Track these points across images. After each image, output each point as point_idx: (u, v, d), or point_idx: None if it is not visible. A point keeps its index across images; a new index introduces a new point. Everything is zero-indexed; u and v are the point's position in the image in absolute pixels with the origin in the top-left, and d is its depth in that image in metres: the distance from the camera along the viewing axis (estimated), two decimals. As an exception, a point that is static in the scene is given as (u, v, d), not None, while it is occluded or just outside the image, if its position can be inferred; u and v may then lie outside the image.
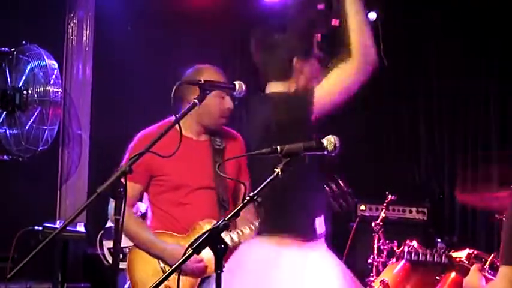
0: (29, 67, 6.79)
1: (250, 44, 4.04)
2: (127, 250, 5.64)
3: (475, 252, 4.74)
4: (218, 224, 2.69)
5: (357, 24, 3.67)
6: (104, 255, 5.86)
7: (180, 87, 3.74)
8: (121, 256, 5.63)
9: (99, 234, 5.87)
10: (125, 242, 5.62)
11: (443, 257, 4.71)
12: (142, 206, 5.64)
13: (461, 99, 7.85)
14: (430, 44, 8.03)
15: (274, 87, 3.89)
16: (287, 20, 3.94)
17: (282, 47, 3.83)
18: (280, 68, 3.86)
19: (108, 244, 5.76)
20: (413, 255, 4.80)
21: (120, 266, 5.62)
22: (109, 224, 5.70)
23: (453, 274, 4.76)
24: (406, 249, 4.98)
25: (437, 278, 4.79)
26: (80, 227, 6.19)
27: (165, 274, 2.64)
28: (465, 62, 7.74)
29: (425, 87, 8.08)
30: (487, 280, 3.54)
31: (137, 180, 4.24)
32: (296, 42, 3.87)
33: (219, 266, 2.70)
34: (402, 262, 5.06)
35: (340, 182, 5.24)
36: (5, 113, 6.85)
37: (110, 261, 5.67)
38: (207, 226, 4.01)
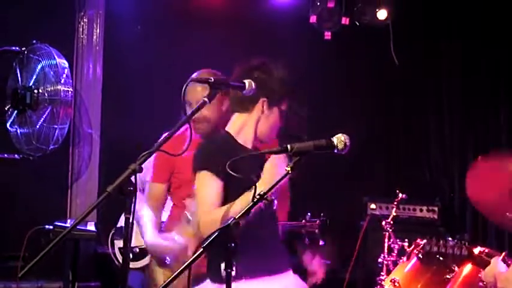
0: (39, 66, 6.79)
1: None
2: (137, 250, 5.65)
3: (486, 251, 4.72)
4: (229, 222, 2.69)
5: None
6: (114, 254, 5.86)
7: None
8: (132, 256, 5.65)
9: (111, 234, 5.87)
10: (136, 241, 5.65)
11: (462, 249, 4.69)
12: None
13: (472, 97, 7.83)
14: (440, 44, 8.02)
15: (236, 119, 3.88)
16: (271, 63, 3.91)
17: (257, 85, 3.72)
18: (244, 102, 3.83)
19: (119, 244, 5.76)
20: (431, 247, 4.78)
21: (130, 266, 5.66)
22: (120, 223, 5.70)
23: (469, 266, 4.73)
24: (416, 250, 4.96)
25: (447, 277, 4.77)
26: (91, 226, 6.19)
27: (176, 272, 2.64)
28: (475, 61, 7.73)
29: (435, 86, 8.08)
30: None
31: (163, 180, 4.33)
32: (272, 85, 3.82)
33: (229, 265, 2.70)
34: (413, 261, 5.05)
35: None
36: (15, 112, 6.87)
37: (121, 260, 5.67)
38: None
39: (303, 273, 4.13)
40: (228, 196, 3.64)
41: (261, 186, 3.46)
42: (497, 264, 3.55)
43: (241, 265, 3.61)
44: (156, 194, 4.76)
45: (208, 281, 3.72)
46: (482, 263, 4.27)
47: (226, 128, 3.89)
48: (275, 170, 3.53)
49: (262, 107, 3.81)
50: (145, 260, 5.61)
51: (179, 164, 4.46)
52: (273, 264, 3.74)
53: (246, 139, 3.83)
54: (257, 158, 3.76)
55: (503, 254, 3.73)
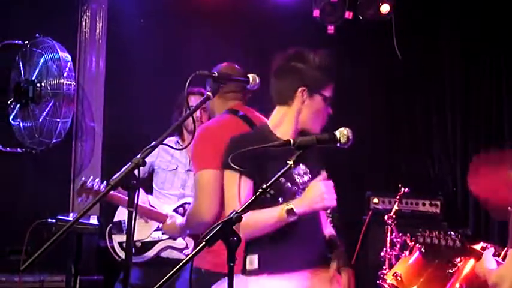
0: (42, 60, 6.79)
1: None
2: (139, 244, 5.66)
3: (489, 246, 4.72)
4: (231, 216, 2.69)
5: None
6: (113, 248, 5.84)
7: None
8: (133, 250, 5.65)
9: (108, 228, 5.85)
10: (138, 235, 5.66)
11: (456, 242, 4.69)
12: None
13: (474, 92, 7.83)
14: (443, 39, 8.02)
15: (276, 112, 3.83)
16: (309, 51, 3.83)
17: (293, 75, 3.74)
18: (282, 93, 3.78)
19: (117, 238, 5.74)
20: (427, 239, 4.78)
21: (132, 260, 5.66)
22: (117, 217, 5.71)
23: (472, 261, 4.74)
24: (420, 239, 4.96)
25: (449, 271, 4.77)
26: (93, 220, 6.20)
27: (179, 265, 2.63)
28: (477, 56, 7.73)
29: (438, 81, 8.07)
30: (499, 264, 3.54)
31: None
32: (310, 73, 3.73)
33: (231, 259, 2.70)
34: (415, 255, 5.05)
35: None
36: (18, 105, 6.87)
37: (121, 255, 5.68)
38: None
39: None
40: (257, 199, 3.61)
41: (299, 203, 3.49)
42: (488, 258, 3.55)
43: (264, 259, 3.63)
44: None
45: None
46: (475, 256, 4.28)
47: (267, 121, 3.85)
48: (317, 192, 3.52)
49: (302, 96, 3.73)
50: (147, 255, 5.62)
51: None
52: (294, 261, 3.68)
53: (285, 132, 3.75)
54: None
55: (491, 249, 3.72)
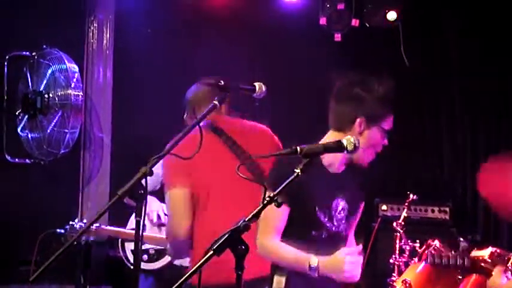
0: (49, 71, 6.82)
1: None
2: (152, 251, 5.66)
3: (498, 251, 4.71)
4: (239, 224, 2.69)
5: None
6: (126, 257, 5.86)
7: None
8: (146, 257, 5.66)
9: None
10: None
11: (465, 260, 4.69)
12: (154, 214, 5.66)
13: (483, 98, 7.82)
14: (450, 44, 8.00)
15: (329, 136, 3.77)
16: (373, 80, 3.80)
17: (354, 102, 3.70)
18: (340, 119, 3.74)
19: (130, 246, 5.76)
20: (435, 258, 4.79)
21: (145, 268, 5.67)
22: (129, 226, 5.72)
23: (474, 276, 4.74)
24: (427, 252, 4.96)
25: (459, 277, 4.76)
26: (102, 230, 6.21)
27: (187, 274, 2.63)
28: (487, 62, 7.71)
29: (447, 86, 8.06)
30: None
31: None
32: (372, 103, 3.70)
33: (239, 267, 2.69)
34: (424, 262, 5.04)
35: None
36: (26, 116, 6.89)
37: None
38: None
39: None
40: (289, 227, 3.61)
41: (323, 265, 3.49)
42: (499, 275, 3.54)
43: (292, 283, 3.63)
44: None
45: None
46: (484, 273, 4.27)
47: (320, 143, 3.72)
48: (339, 267, 3.51)
49: (360, 126, 3.70)
50: (160, 262, 5.62)
51: None
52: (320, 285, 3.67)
53: (334, 159, 3.73)
54: (333, 184, 3.69)
55: (502, 267, 3.71)
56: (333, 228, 3.68)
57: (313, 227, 3.60)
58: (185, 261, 5.52)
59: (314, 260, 3.49)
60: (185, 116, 4.70)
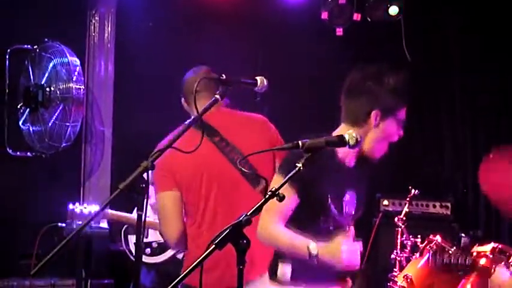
0: (51, 64, 6.81)
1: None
2: (155, 245, 5.66)
3: (500, 247, 4.71)
4: (240, 219, 2.68)
5: None
6: (130, 251, 5.86)
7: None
8: (149, 251, 5.66)
9: (123, 230, 5.87)
10: (154, 236, 5.67)
11: (467, 260, 4.70)
12: None
13: (484, 93, 7.81)
14: (452, 40, 7.99)
15: (342, 129, 3.74)
16: (386, 71, 3.80)
17: (368, 96, 3.70)
18: (355, 113, 3.73)
19: (134, 239, 5.75)
20: (437, 256, 4.79)
21: (147, 261, 5.67)
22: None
23: (475, 272, 4.73)
24: (429, 247, 4.96)
25: (460, 273, 4.76)
26: (103, 224, 6.21)
27: (186, 271, 2.63)
28: (488, 58, 7.70)
29: (448, 81, 8.05)
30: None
31: None
32: (385, 96, 3.70)
33: (241, 262, 2.69)
34: (426, 257, 5.03)
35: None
36: (28, 110, 6.89)
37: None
38: None
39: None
40: (298, 217, 3.59)
41: (322, 252, 3.46)
42: (501, 273, 3.55)
43: (298, 271, 3.62)
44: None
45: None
46: (486, 272, 4.27)
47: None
48: (337, 254, 3.49)
49: (376, 119, 3.70)
50: (163, 256, 5.62)
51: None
52: (327, 274, 3.66)
53: (346, 155, 3.73)
54: (345, 178, 3.70)
55: (503, 263, 3.71)
56: (341, 221, 3.68)
57: (323, 219, 3.60)
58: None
59: (313, 247, 3.47)
60: (182, 100, 4.70)
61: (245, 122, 4.50)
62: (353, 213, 3.80)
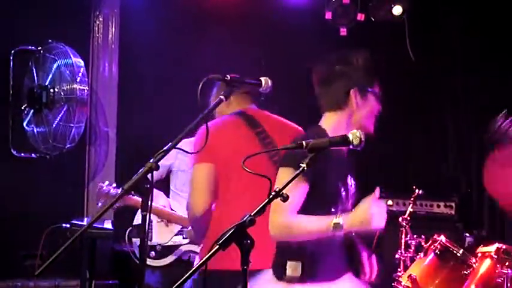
0: (55, 65, 6.82)
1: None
2: (159, 247, 5.66)
3: (504, 247, 4.70)
4: (244, 219, 2.69)
5: None
6: (134, 252, 5.85)
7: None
8: (154, 254, 5.65)
9: (128, 232, 5.87)
10: (159, 239, 5.66)
11: (471, 260, 4.70)
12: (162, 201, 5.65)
13: (488, 92, 7.80)
14: (456, 39, 7.99)
15: (327, 118, 3.80)
16: (351, 53, 3.85)
17: (341, 78, 3.75)
18: (335, 98, 3.77)
19: (138, 241, 5.74)
20: (441, 256, 4.80)
21: (152, 264, 5.67)
22: (136, 220, 5.71)
23: (487, 261, 4.72)
24: (433, 247, 4.96)
25: (465, 272, 4.75)
26: (108, 224, 6.22)
27: (192, 270, 2.63)
28: (490, 58, 7.69)
29: (452, 80, 8.04)
30: None
31: None
32: (357, 74, 3.76)
33: (245, 262, 2.69)
34: (430, 257, 5.03)
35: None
36: (32, 111, 6.90)
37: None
38: None
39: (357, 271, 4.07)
40: (307, 206, 3.57)
41: (348, 219, 3.46)
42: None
43: (308, 267, 3.62)
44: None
45: (269, 272, 3.72)
46: (491, 273, 4.28)
47: (322, 125, 3.80)
48: (367, 212, 3.49)
49: (356, 97, 3.74)
50: (168, 259, 5.62)
51: None
52: (333, 269, 3.70)
53: None
54: (344, 164, 3.73)
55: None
56: (347, 205, 3.70)
57: (334, 203, 3.61)
58: (193, 258, 5.53)
59: (338, 218, 3.46)
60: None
61: (284, 125, 4.55)
62: (353, 196, 3.82)
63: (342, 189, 3.72)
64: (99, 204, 5.52)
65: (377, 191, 3.60)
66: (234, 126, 4.34)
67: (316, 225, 3.50)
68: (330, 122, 3.77)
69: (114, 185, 5.40)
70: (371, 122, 3.85)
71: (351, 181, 3.83)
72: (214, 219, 4.30)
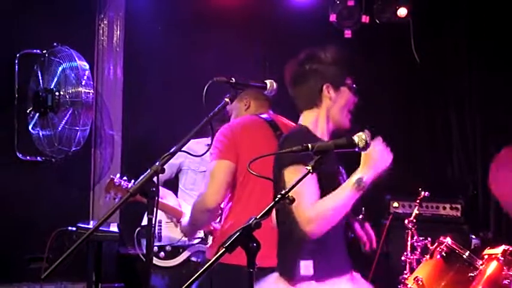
0: (60, 68, 6.82)
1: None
2: (169, 248, 5.66)
3: (511, 249, 4.70)
4: (250, 222, 2.69)
5: None
6: (143, 254, 5.85)
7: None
8: (163, 254, 5.66)
9: (136, 233, 5.87)
10: (168, 240, 5.66)
11: (477, 262, 4.70)
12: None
13: (493, 94, 7.79)
14: (461, 41, 7.99)
15: (306, 116, 3.82)
16: (319, 49, 3.86)
17: (313, 76, 3.77)
18: (309, 97, 3.80)
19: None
20: (447, 258, 4.81)
21: (161, 265, 5.67)
22: (145, 221, 5.70)
23: (494, 263, 4.71)
24: (439, 249, 4.96)
25: (471, 274, 4.75)
26: (114, 227, 6.21)
27: (198, 273, 2.63)
28: (497, 58, 7.69)
29: (457, 82, 8.04)
30: None
31: None
32: (328, 70, 3.78)
33: (251, 265, 2.69)
34: (436, 259, 5.03)
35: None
36: (37, 114, 6.90)
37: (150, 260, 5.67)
38: None
39: (356, 245, 4.08)
40: (322, 191, 3.58)
41: (363, 170, 3.49)
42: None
43: (317, 265, 3.62)
44: None
45: (275, 274, 3.72)
46: (497, 275, 4.27)
47: (302, 123, 3.83)
48: (378, 151, 3.54)
49: (329, 92, 3.76)
50: (178, 259, 5.62)
51: None
52: (339, 266, 3.71)
53: (322, 132, 3.78)
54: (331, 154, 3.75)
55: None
56: None
57: (338, 184, 3.62)
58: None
59: (353, 176, 3.49)
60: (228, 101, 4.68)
61: None
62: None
63: (341, 176, 3.76)
64: (107, 198, 5.51)
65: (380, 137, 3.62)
66: (259, 127, 4.56)
67: (340, 196, 3.51)
68: (309, 120, 3.80)
69: (125, 178, 5.41)
70: (346, 115, 3.85)
71: (342, 170, 3.85)
72: (234, 215, 4.43)
